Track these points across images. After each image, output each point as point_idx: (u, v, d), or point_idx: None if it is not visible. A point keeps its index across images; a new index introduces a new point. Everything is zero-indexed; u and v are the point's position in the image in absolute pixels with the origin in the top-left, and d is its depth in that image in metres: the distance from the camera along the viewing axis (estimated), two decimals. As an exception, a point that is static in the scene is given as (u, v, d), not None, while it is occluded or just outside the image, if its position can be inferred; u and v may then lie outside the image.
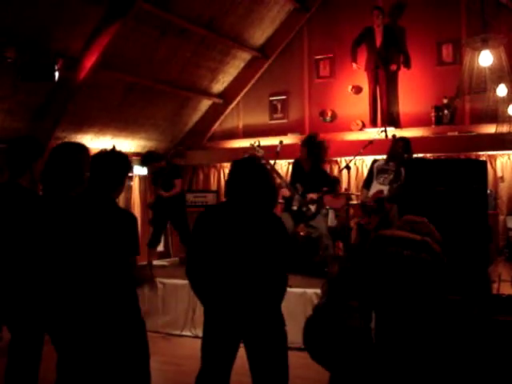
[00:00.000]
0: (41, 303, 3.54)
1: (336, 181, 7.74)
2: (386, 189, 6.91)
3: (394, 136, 7.59)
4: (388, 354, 3.43)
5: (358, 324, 3.53)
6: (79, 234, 3.31)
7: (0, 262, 3.73)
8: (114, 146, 3.66)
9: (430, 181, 5.12)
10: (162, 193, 8.04)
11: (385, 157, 7.29)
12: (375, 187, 7.03)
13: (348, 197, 7.73)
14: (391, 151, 7.13)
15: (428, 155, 8.40)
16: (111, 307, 3.28)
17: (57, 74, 7.09)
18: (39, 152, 3.85)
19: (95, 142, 9.15)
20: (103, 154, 3.55)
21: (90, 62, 7.68)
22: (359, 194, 8.19)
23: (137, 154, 10.08)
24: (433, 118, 8.84)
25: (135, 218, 3.46)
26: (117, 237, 3.31)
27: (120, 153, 3.61)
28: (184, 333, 6.54)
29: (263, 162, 7.47)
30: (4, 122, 7.76)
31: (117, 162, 3.49)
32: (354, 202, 8.10)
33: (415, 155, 7.44)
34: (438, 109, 8.81)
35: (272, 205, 3.58)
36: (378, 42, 9.00)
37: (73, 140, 8.59)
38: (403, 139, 7.21)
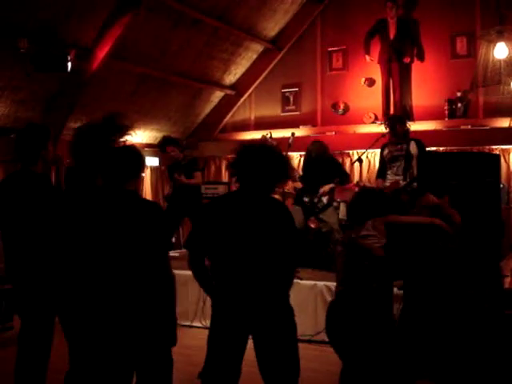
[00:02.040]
0: (54, 290, 3.56)
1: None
2: (400, 179, 6.88)
3: (390, 117, 7.52)
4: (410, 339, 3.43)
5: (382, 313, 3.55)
6: (104, 225, 3.30)
7: (19, 249, 3.72)
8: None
9: (443, 174, 5.09)
10: (181, 179, 7.87)
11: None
12: (390, 178, 7.00)
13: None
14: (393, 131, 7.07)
15: (441, 149, 8.36)
16: (143, 298, 3.30)
17: (69, 64, 7.10)
18: (46, 138, 3.86)
19: (107, 132, 9.16)
20: (119, 149, 3.52)
21: (102, 52, 7.69)
22: (373, 185, 8.16)
23: (149, 146, 10.11)
24: (446, 112, 8.78)
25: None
26: (147, 229, 3.31)
27: (135, 148, 3.55)
28: (194, 324, 6.55)
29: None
30: (17, 112, 7.79)
31: (132, 157, 3.46)
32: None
33: (428, 148, 7.40)
34: (452, 102, 8.75)
35: (285, 177, 3.50)
36: (392, 34, 8.93)
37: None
38: (399, 117, 7.24)
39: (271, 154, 3.38)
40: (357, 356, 3.57)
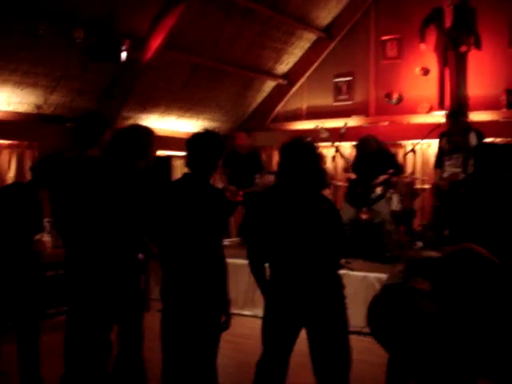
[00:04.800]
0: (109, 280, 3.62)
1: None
2: (459, 171, 6.75)
3: (449, 111, 7.38)
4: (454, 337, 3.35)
5: (429, 308, 3.47)
6: (180, 209, 3.51)
7: (77, 234, 3.72)
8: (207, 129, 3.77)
9: (501, 166, 4.97)
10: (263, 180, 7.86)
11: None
12: (448, 170, 6.89)
13: (412, 181, 7.60)
14: (453, 125, 6.95)
15: (498, 140, 8.15)
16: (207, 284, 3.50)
17: (124, 54, 7.19)
18: (105, 126, 3.91)
19: (160, 122, 9.27)
20: (199, 135, 3.65)
21: (156, 42, 7.77)
22: (425, 178, 8.06)
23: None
24: (504, 102, 8.55)
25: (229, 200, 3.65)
26: (212, 215, 3.49)
27: (215, 134, 3.71)
28: (244, 312, 6.59)
29: (326, 143, 7.46)
30: (73, 102, 7.95)
31: (212, 142, 3.62)
32: (419, 186, 7.96)
33: (485, 140, 7.24)
34: (510, 92, 8.51)
35: (321, 186, 3.51)
36: (448, 22, 8.74)
37: (138, 120, 8.74)
38: (459, 109, 7.11)
39: (308, 154, 3.46)
40: (404, 351, 3.51)
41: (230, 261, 6.98)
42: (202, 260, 3.49)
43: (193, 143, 3.61)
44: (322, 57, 10.10)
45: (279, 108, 10.66)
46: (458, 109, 7.30)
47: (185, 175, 3.69)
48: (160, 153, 8.26)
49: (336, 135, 7.66)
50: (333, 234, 3.36)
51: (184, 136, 9.87)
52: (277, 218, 3.36)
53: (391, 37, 9.57)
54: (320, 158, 3.52)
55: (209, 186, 3.62)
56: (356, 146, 7.46)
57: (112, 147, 3.80)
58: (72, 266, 3.74)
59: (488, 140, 7.62)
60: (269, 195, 3.60)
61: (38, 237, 4.68)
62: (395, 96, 9.49)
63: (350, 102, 9.94)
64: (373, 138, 7.37)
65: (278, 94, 10.51)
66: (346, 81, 9.96)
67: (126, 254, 3.69)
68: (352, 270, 6.04)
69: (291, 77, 10.33)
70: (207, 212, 3.48)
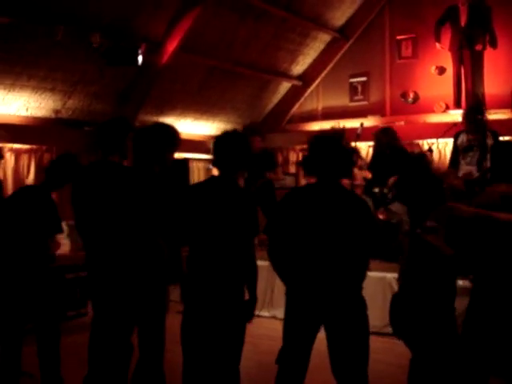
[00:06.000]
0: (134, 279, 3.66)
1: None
2: (474, 169, 6.71)
3: (467, 109, 7.32)
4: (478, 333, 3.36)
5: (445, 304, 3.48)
6: (211, 210, 3.47)
7: (99, 237, 3.77)
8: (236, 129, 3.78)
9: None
10: (275, 176, 8.03)
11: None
12: (463, 168, 6.84)
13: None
14: (471, 123, 6.90)
15: (514, 138, 8.10)
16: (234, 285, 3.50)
17: (140, 58, 7.26)
18: (129, 131, 3.94)
19: (176, 124, 9.28)
20: (228, 134, 3.62)
21: (171, 46, 7.82)
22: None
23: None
24: (520, 100, 8.51)
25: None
26: (241, 216, 3.47)
27: (242, 135, 3.68)
28: (262, 313, 6.59)
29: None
30: (90, 106, 8.03)
31: (241, 142, 3.58)
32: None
33: (501, 138, 7.20)
34: (526, 90, 8.47)
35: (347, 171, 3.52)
36: (463, 21, 8.70)
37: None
38: (477, 108, 7.03)
39: (341, 145, 3.48)
40: (423, 349, 3.52)
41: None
42: (232, 261, 3.47)
43: (222, 143, 3.57)
44: (337, 57, 10.10)
45: (295, 109, 10.68)
46: (475, 107, 7.24)
47: (212, 177, 3.66)
48: (177, 155, 8.29)
49: (352, 136, 7.65)
50: (361, 234, 3.35)
51: (200, 138, 9.98)
52: (305, 215, 3.35)
53: (406, 36, 9.56)
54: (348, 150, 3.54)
55: (238, 187, 3.60)
56: (375, 134, 7.41)
57: (135, 149, 3.84)
58: (94, 268, 3.78)
59: (505, 139, 7.58)
60: (296, 192, 3.62)
61: (55, 238, 4.70)
62: (411, 95, 9.47)
63: (365, 102, 9.94)
64: (390, 131, 7.35)
65: (294, 95, 10.52)
66: (362, 81, 9.96)
67: (149, 256, 3.72)
68: (369, 270, 6.03)
69: (306, 78, 10.34)
70: (239, 213, 3.47)
